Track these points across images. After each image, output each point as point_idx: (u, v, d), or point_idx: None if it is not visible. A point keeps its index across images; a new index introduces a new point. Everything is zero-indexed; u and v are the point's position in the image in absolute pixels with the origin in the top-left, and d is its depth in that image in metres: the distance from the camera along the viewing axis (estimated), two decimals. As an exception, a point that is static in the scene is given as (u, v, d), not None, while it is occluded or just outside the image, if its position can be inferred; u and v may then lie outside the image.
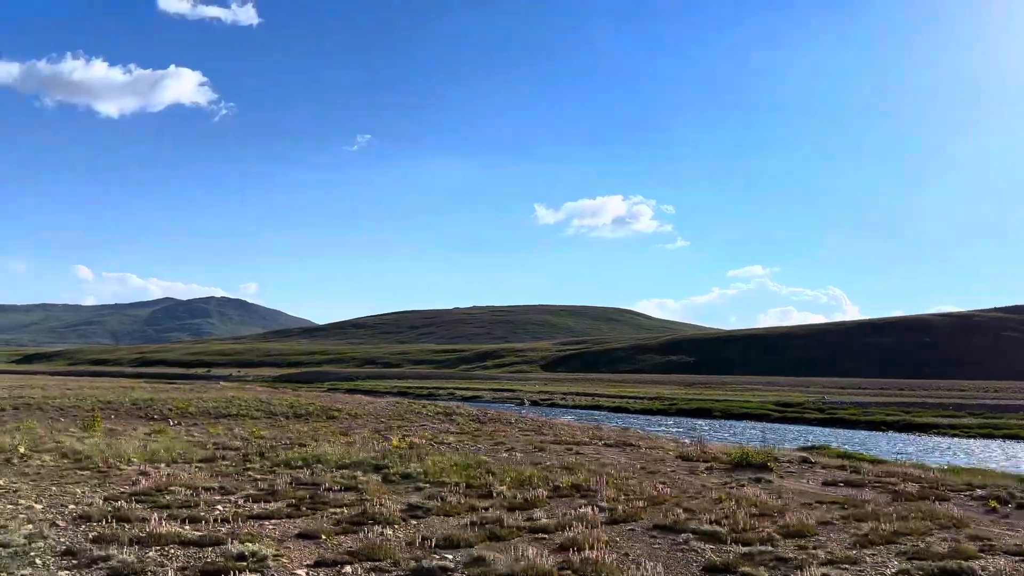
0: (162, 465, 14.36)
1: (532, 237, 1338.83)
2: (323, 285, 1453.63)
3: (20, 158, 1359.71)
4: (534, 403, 58.93)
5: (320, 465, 14.73)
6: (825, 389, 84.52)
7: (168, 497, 10.96)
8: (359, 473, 13.74)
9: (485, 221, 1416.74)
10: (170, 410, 30.59)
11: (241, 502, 10.91)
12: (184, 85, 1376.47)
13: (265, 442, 19.52)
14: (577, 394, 67.98)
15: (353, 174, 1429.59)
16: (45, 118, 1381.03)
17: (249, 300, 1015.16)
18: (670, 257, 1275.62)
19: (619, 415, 48.17)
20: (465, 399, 61.21)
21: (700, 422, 44.28)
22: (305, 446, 18.18)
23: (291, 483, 12.62)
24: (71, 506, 10.32)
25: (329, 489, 12.07)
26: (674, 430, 36.45)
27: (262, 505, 10.72)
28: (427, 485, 12.85)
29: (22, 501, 10.56)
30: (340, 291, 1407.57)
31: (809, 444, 28.91)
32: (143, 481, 12.30)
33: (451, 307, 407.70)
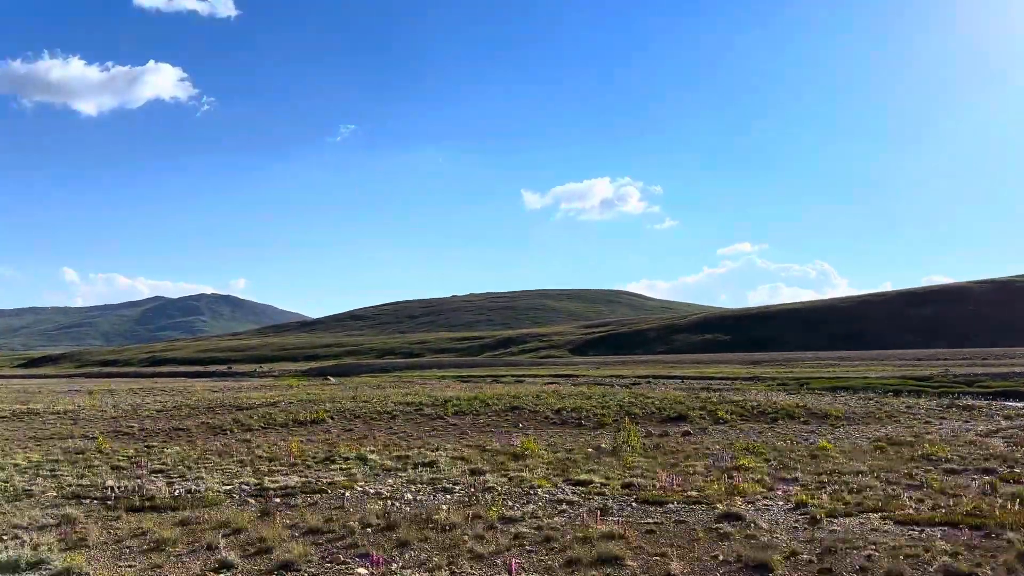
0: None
1: (520, 223, 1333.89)
2: (312, 278, 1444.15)
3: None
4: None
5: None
6: (904, 362, 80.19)
7: None
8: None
9: (472, 208, 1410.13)
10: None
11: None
12: (163, 81, 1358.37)
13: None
14: (666, 377, 63.14)
15: (338, 165, 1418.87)
16: (23, 118, 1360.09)
17: (239, 296, 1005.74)
18: (659, 238, 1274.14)
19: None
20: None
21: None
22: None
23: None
24: None
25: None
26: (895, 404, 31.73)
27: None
28: None
29: None
30: (329, 284, 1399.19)
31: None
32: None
33: (448, 295, 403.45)
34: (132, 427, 24.95)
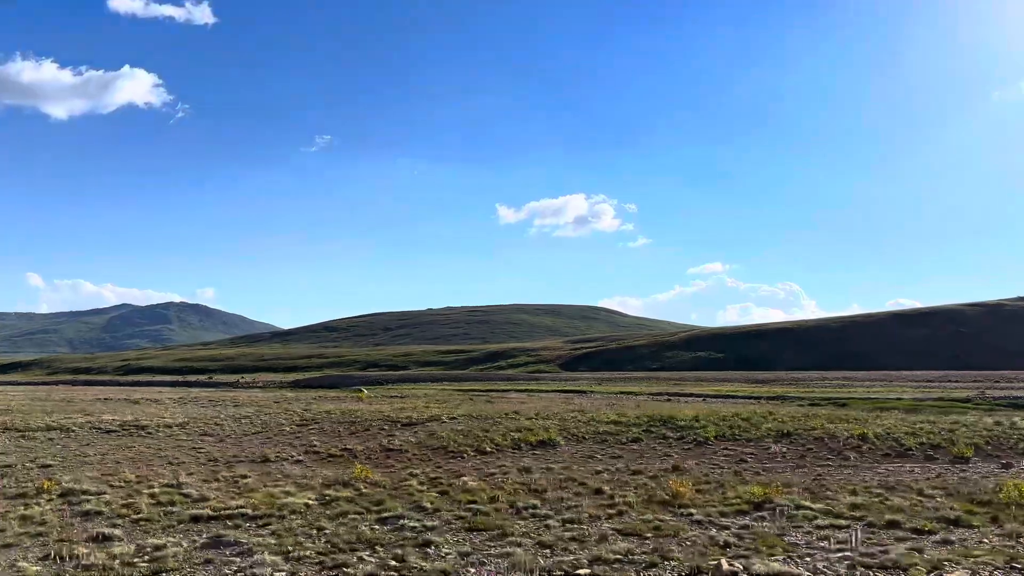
0: None
1: (494, 237, 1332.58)
2: (282, 289, 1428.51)
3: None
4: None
5: None
6: (917, 383, 78.48)
7: None
8: None
9: (447, 222, 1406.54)
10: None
11: None
12: (137, 86, 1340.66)
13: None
14: (684, 395, 60.52)
15: (312, 176, 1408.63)
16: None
17: (208, 305, 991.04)
18: (632, 255, 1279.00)
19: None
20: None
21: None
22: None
23: None
24: None
25: None
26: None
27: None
28: None
29: None
30: (300, 295, 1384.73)
31: None
32: None
33: (423, 308, 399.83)
34: (321, 446, 21.71)
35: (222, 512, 12.68)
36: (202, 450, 21.30)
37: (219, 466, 18.36)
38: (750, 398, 55.02)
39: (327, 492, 14.55)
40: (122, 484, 15.44)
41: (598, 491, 14.78)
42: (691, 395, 59.52)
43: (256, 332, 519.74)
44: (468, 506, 13.25)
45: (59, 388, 75.78)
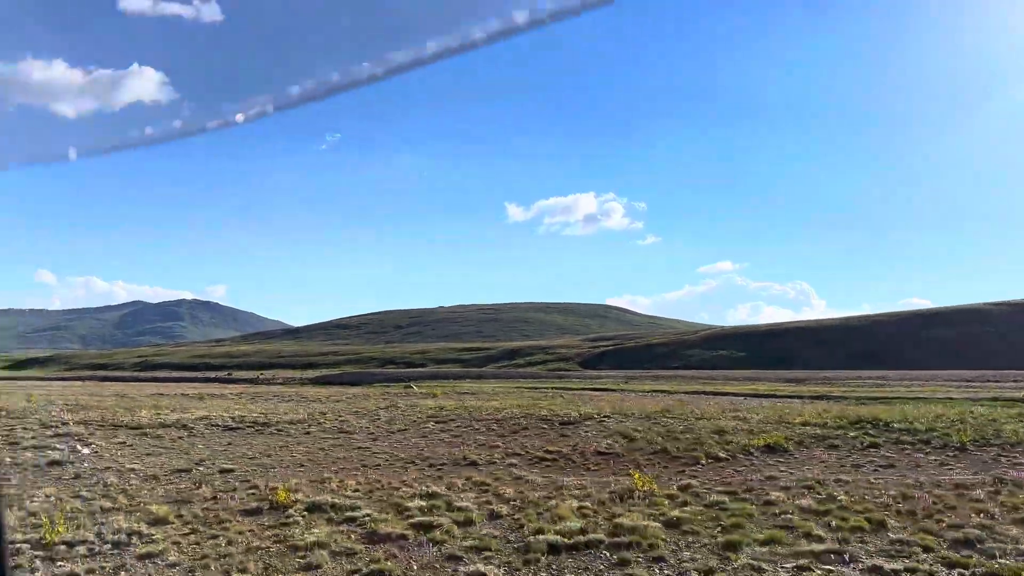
0: None
1: (503, 235, 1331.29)
2: (293, 287, 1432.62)
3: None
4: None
5: None
6: (955, 383, 76.94)
7: None
8: None
9: (456, 220, 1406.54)
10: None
11: None
12: (145, 84, 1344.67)
13: None
14: (716, 394, 59.28)
15: (322, 174, 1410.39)
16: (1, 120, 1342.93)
17: (219, 302, 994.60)
18: (641, 254, 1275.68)
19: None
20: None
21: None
22: None
23: None
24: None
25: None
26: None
27: None
28: None
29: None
30: (309, 292, 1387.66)
31: None
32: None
33: (434, 306, 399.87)
34: (507, 446, 19.31)
35: (574, 540, 9.72)
36: (371, 450, 19.10)
37: (432, 470, 15.98)
38: (795, 397, 53.74)
39: (662, 511, 11.55)
40: (359, 493, 12.92)
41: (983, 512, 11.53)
42: (730, 394, 58.25)
43: (268, 329, 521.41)
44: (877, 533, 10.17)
45: (90, 384, 75.03)
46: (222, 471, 15.53)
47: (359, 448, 19.50)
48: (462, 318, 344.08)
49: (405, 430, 23.60)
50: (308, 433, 22.69)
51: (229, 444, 20.18)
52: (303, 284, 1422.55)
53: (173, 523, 10.63)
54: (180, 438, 21.24)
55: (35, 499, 12.19)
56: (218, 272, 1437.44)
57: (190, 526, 10.51)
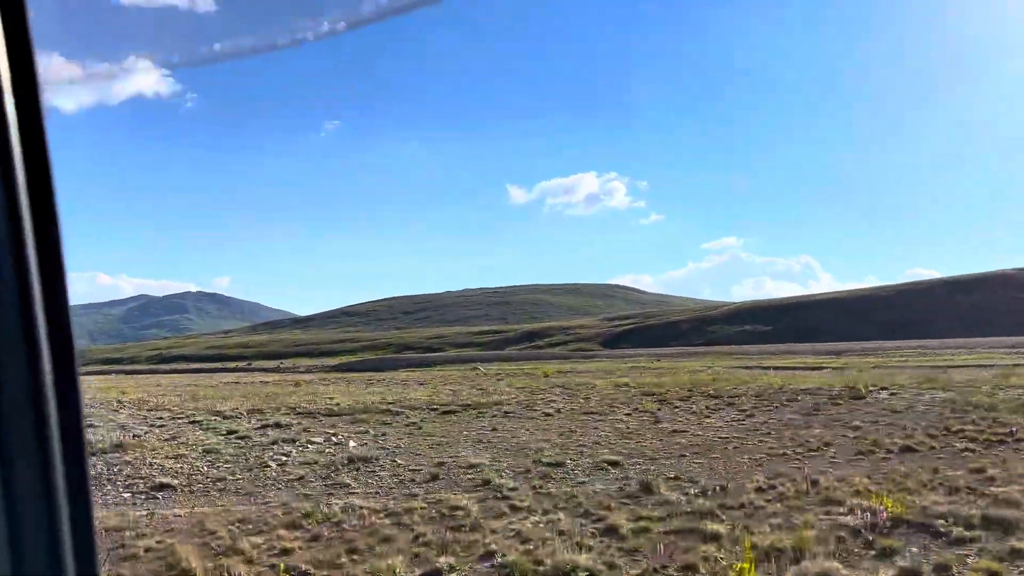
0: None
1: (505, 217, 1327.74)
2: (296, 276, 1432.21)
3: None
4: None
5: None
6: (1008, 349, 74.74)
7: None
8: None
9: (457, 203, 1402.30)
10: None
11: None
12: (145, 77, 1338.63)
13: None
14: (760, 368, 57.09)
15: (322, 162, 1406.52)
16: None
17: (224, 294, 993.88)
18: (645, 232, 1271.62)
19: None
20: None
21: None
22: None
23: None
24: None
25: None
26: None
27: None
28: None
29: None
30: (314, 281, 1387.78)
31: None
32: None
33: (441, 291, 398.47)
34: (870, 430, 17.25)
35: None
36: (672, 436, 17.12)
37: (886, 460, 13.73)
38: (836, 369, 51.56)
39: None
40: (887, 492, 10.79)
41: None
42: (775, 368, 56.02)
43: (274, 319, 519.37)
44: None
45: (124, 378, 72.91)
46: (608, 463, 13.58)
47: (662, 436, 17.13)
48: (470, 302, 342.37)
49: (593, 413, 21.40)
50: (550, 416, 21.15)
51: (494, 430, 18.82)
52: (306, 273, 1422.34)
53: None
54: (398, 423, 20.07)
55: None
56: (222, 263, 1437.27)
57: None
